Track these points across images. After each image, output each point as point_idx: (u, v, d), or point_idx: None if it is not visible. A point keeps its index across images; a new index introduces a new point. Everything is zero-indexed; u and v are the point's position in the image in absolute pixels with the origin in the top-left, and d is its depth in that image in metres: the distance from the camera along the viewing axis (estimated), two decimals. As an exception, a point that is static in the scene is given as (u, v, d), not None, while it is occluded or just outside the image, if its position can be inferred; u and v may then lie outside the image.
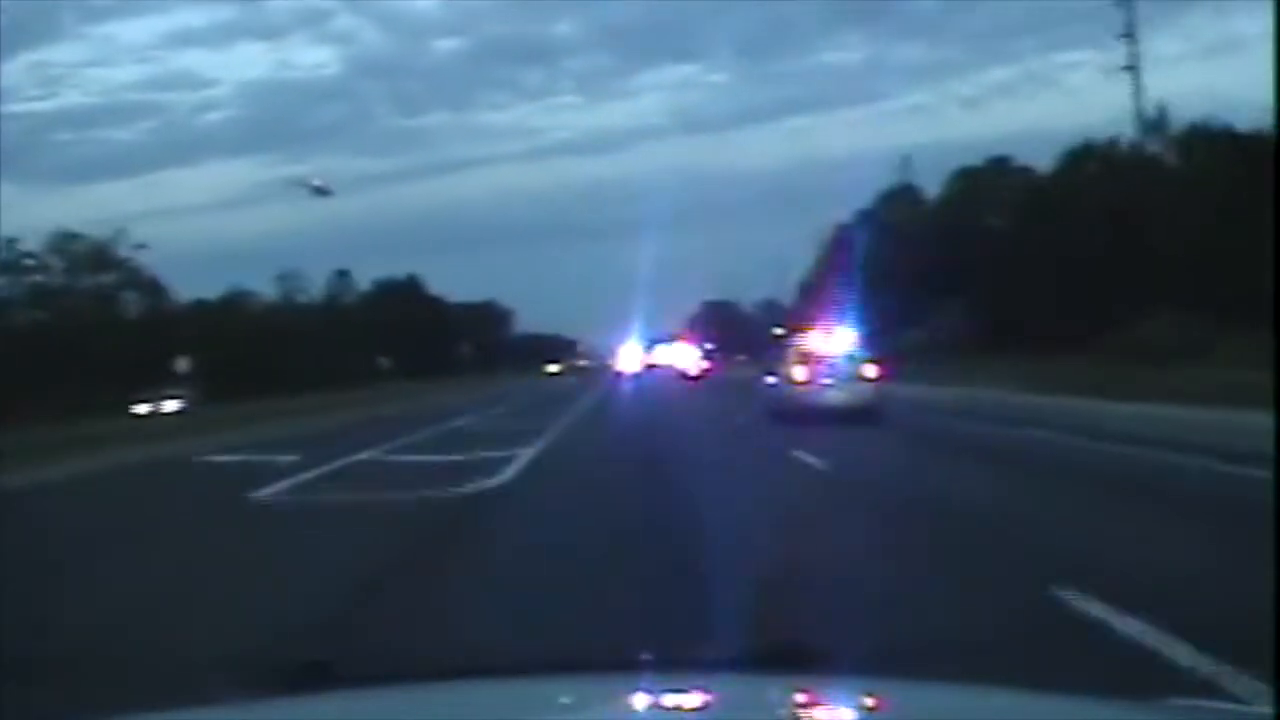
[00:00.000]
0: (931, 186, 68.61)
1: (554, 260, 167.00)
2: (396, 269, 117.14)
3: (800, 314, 59.45)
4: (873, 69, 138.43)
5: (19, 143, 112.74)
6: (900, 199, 69.12)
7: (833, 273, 61.19)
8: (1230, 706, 2.23)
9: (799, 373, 26.11)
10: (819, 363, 26.15)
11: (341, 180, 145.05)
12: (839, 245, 68.10)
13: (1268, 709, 2.09)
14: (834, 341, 27.72)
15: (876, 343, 30.40)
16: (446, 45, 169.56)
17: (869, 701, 2.28)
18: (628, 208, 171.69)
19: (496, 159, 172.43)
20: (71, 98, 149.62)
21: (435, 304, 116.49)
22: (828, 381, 25.61)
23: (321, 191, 61.58)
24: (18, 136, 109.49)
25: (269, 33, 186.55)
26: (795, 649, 2.41)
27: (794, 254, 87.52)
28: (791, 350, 28.07)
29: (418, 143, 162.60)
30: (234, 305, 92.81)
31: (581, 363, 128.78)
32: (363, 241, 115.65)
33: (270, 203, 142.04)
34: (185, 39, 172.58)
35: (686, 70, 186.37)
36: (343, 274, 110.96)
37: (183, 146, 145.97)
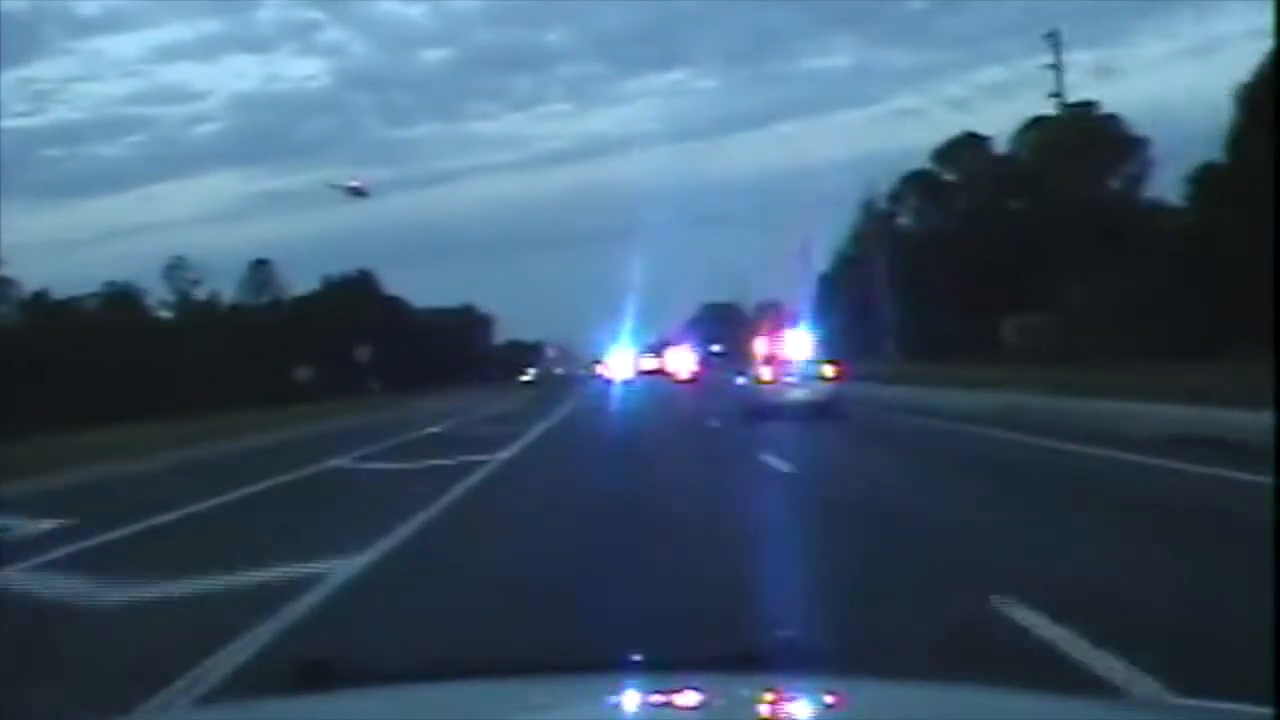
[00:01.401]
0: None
1: (544, 268, 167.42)
2: (389, 280, 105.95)
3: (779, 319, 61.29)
4: (861, 72, 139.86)
5: (7, 159, 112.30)
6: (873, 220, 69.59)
7: (797, 283, 65.21)
8: (1230, 707, 2.27)
9: (765, 373, 29.99)
10: (782, 364, 30.17)
11: (330, 192, 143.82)
12: (802, 255, 71.72)
13: (1268, 709, 2.13)
14: (795, 345, 32.68)
15: (836, 346, 34.71)
16: (435, 55, 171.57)
17: (857, 701, 2.32)
18: (618, 215, 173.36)
19: (487, 168, 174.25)
20: (60, 113, 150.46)
21: (393, 305, 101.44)
22: (791, 381, 28.99)
23: (358, 193, 60.95)
24: (5, 153, 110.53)
25: (258, 45, 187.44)
26: (780, 648, 2.45)
27: (786, 258, 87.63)
28: (758, 353, 32.97)
29: (408, 153, 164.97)
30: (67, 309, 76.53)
31: (558, 370, 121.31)
32: (353, 253, 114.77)
33: (259, 216, 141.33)
34: (174, 52, 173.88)
35: (675, 76, 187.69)
36: (261, 262, 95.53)
37: (173, 160, 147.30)
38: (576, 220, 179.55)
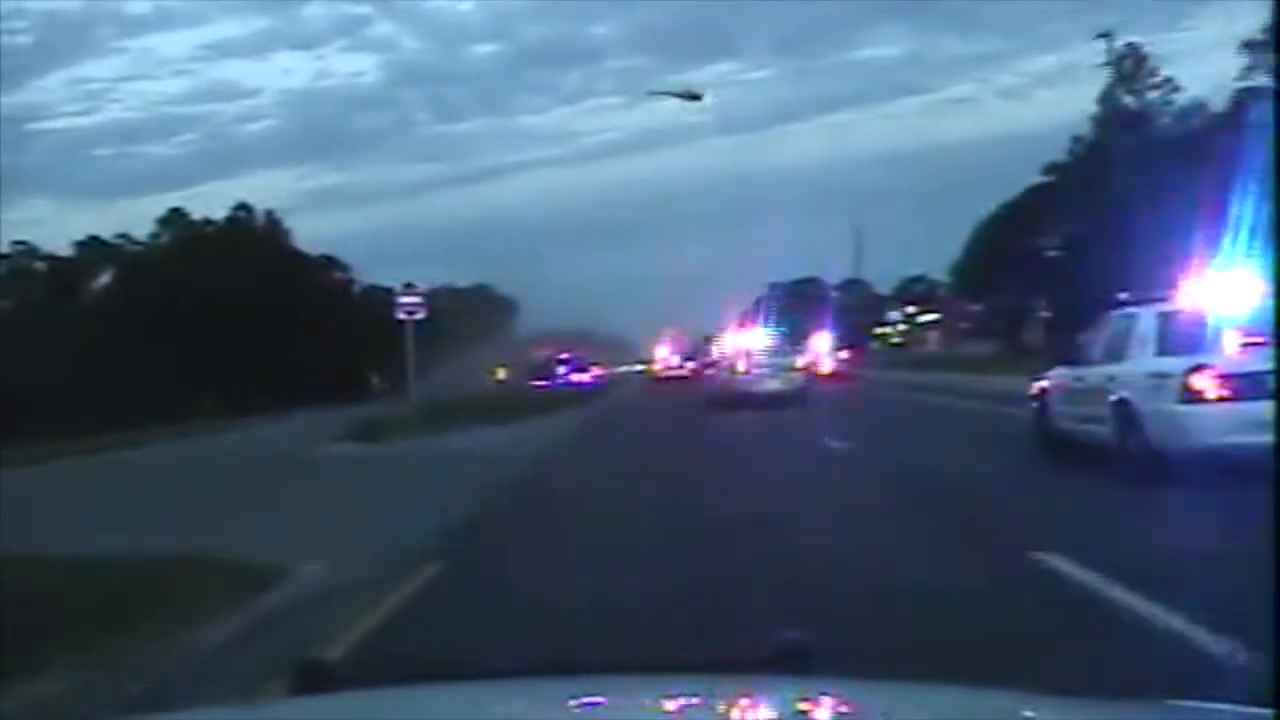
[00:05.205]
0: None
1: (593, 260, 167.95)
2: (438, 275, 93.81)
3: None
4: (913, 62, 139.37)
5: (59, 158, 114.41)
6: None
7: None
8: (1230, 707, 2.29)
9: (740, 365, 33.54)
10: (755, 358, 33.60)
11: (383, 187, 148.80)
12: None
13: (1268, 710, 2.16)
14: (765, 340, 36.66)
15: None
16: (484, 50, 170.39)
17: (862, 702, 2.36)
18: (669, 208, 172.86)
19: (537, 162, 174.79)
20: (112, 112, 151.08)
21: (294, 261, 79.57)
22: (763, 372, 32.49)
23: (693, 96, 61.31)
24: (58, 152, 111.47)
25: (307, 42, 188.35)
26: (792, 648, 2.47)
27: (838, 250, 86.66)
28: (731, 348, 37.04)
29: (459, 148, 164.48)
30: None
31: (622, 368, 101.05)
32: (406, 249, 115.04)
33: (311, 213, 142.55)
34: (224, 50, 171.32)
35: (726, 68, 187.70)
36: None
37: (225, 158, 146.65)
38: (627, 213, 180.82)
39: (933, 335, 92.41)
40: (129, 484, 21.82)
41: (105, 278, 77.45)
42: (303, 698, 2.47)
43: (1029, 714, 2.27)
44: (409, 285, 30.43)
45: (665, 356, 73.80)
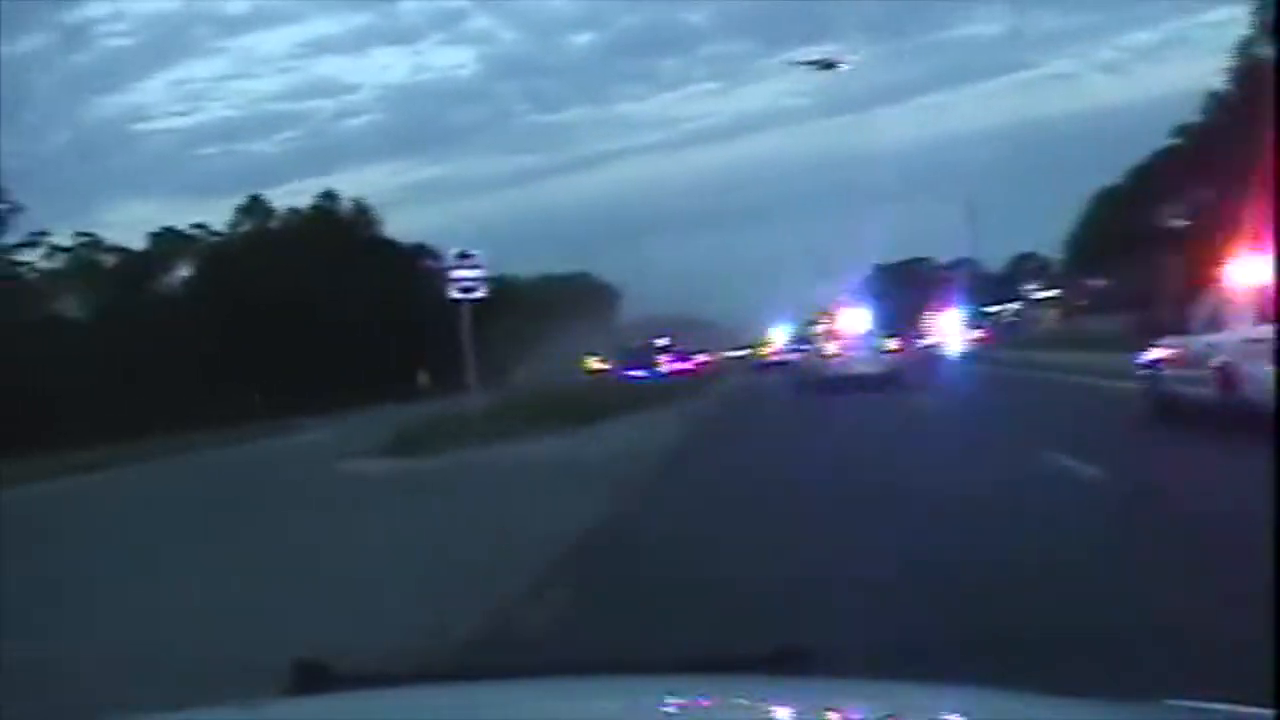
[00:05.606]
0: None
1: (695, 246, 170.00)
2: (538, 264, 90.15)
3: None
4: (1011, 39, 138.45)
5: (162, 159, 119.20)
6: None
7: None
8: (1230, 707, 2.26)
9: (831, 348, 33.70)
10: (846, 339, 33.89)
11: (482, 179, 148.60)
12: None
13: (1268, 710, 2.12)
14: (857, 321, 36.56)
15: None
16: (581, 40, 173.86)
17: (862, 703, 2.36)
18: (770, 192, 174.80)
19: (637, 149, 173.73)
20: (214, 111, 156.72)
21: (387, 251, 78.14)
22: (855, 354, 32.58)
23: (827, 65, 62.33)
24: (161, 153, 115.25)
25: (404, 36, 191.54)
26: (792, 649, 2.43)
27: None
28: (827, 330, 37.15)
29: (557, 138, 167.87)
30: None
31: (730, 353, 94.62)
32: (506, 239, 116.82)
33: (413, 205, 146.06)
34: (322, 47, 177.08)
35: (823, 50, 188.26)
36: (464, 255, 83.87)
37: (326, 154, 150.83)
38: (728, 198, 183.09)
39: (1050, 313, 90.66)
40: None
41: (182, 270, 77.89)
42: (302, 698, 2.50)
43: (1029, 714, 2.27)
44: (464, 254, 25.41)
45: (772, 342, 72.67)
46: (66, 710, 4.96)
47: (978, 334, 64.39)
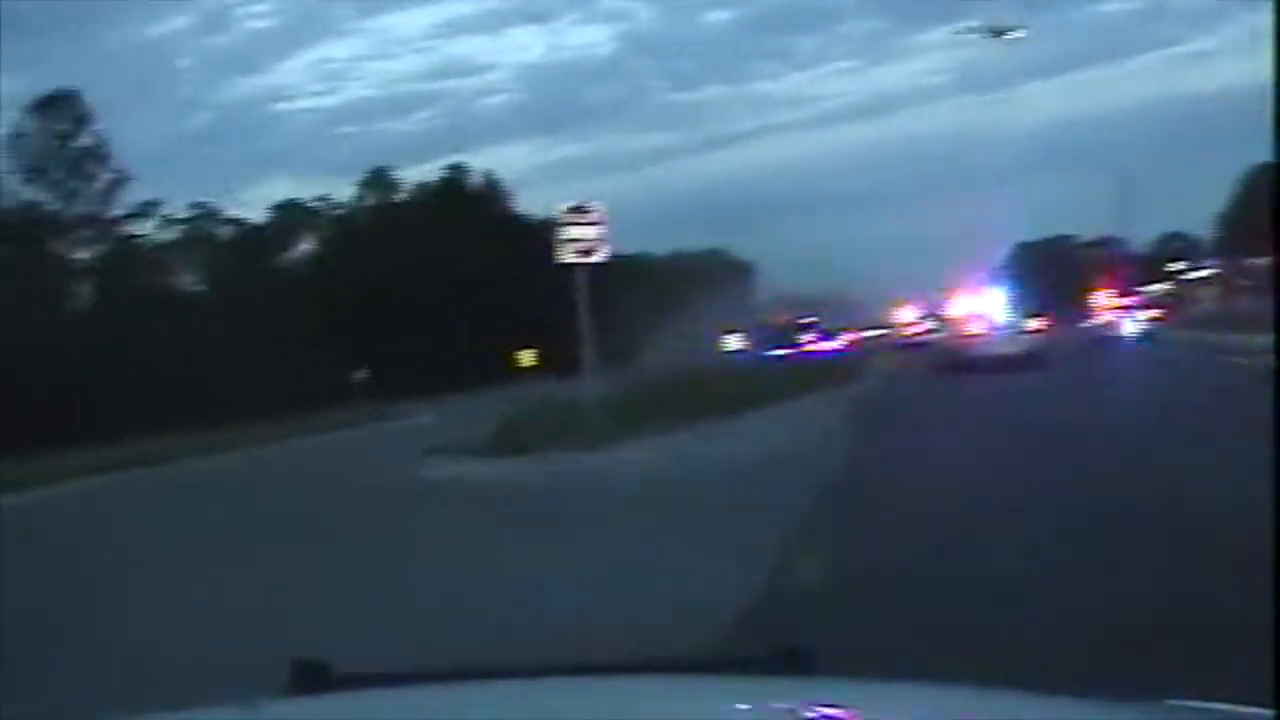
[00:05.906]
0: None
1: (833, 224, 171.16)
2: (672, 241, 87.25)
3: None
4: (1155, 15, 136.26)
5: (303, 139, 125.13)
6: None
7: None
8: (1230, 707, 2.24)
9: (972, 327, 33.97)
10: (986, 319, 33.98)
11: (619, 157, 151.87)
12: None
13: (1268, 710, 2.13)
14: (994, 301, 36.36)
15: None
16: (718, 17, 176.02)
17: (862, 704, 2.39)
18: (910, 170, 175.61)
19: (774, 127, 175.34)
20: (353, 90, 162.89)
21: (510, 224, 73.05)
22: (997, 334, 33.02)
23: (1000, 32, 63.19)
24: (301, 133, 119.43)
25: (540, 15, 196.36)
26: (792, 649, 2.42)
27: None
28: (965, 310, 37.10)
29: (694, 116, 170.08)
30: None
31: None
32: (643, 217, 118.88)
33: (550, 184, 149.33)
34: (459, 27, 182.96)
35: (968, 28, 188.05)
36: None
37: (464, 133, 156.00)
38: (867, 176, 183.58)
39: (1206, 293, 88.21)
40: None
41: (305, 244, 77.98)
42: (302, 698, 2.52)
43: (1029, 714, 2.31)
44: (577, 208, 22.24)
45: (912, 321, 69.69)
46: (66, 710, 5.03)
47: (1154, 312, 58.92)
